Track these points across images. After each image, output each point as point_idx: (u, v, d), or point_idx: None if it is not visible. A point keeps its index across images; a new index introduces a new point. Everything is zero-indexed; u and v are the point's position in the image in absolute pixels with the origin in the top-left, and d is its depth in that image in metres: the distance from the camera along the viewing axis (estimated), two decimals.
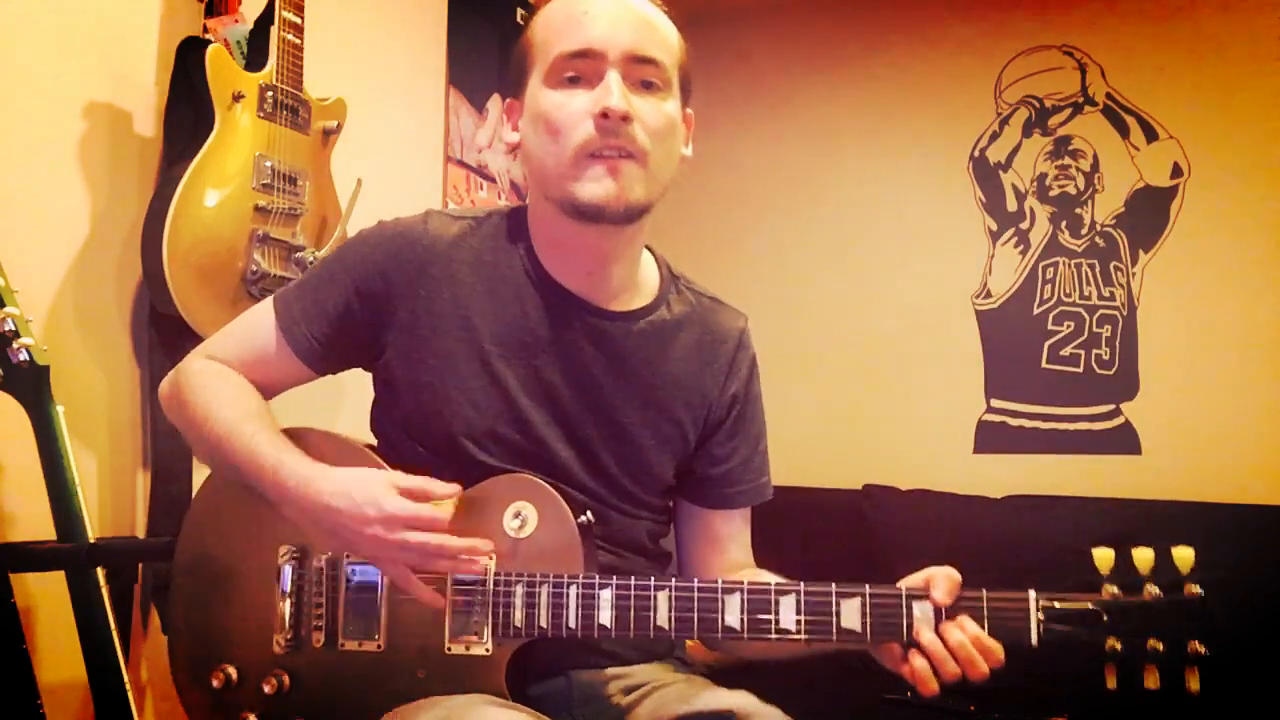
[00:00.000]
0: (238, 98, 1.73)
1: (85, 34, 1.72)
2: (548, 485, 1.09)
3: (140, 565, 1.75)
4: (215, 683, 1.12)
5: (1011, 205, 3.01)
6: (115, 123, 1.77)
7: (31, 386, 1.39)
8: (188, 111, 1.75)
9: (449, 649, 1.06)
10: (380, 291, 1.14)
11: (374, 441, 1.24)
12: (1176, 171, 2.82)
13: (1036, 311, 2.96)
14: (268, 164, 1.76)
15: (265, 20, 1.81)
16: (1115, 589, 0.97)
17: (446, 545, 1.01)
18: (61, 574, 1.40)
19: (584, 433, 1.15)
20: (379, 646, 1.09)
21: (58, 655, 1.52)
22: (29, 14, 1.63)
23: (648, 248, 1.23)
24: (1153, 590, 0.96)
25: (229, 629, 1.14)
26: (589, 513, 1.10)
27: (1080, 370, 2.89)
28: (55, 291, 1.67)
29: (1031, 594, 0.97)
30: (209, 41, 1.74)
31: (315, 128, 1.88)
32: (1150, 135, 2.86)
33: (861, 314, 3.17)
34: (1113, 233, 2.89)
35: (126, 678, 1.39)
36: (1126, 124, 2.88)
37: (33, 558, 1.44)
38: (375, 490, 1.01)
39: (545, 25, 1.11)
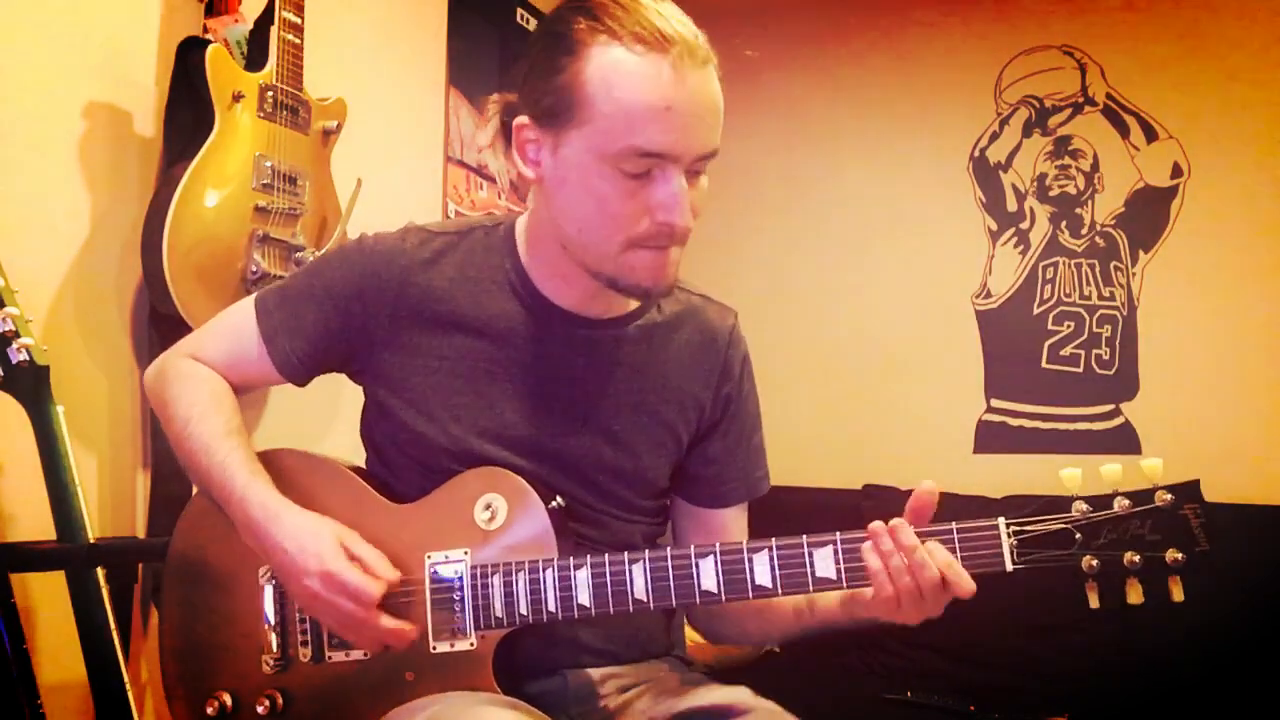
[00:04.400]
0: (238, 98, 1.73)
1: (85, 34, 1.71)
2: (516, 475, 1.08)
3: (140, 565, 1.75)
4: (210, 710, 1.12)
5: (1011, 205, 3.01)
6: (115, 123, 1.77)
7: (31, 386, 1.39)
8: (188, 112, 1.74)
9: (434, 648, 1.06)
10: (357, 312, 1.13)
11: (364, 450, 1.24)
12: (1176, 171, 2.81)
13: (1036, 311, 2.95)
14: (268, 164, 1.76)
15: (265, 20, 1.81)
16: (1085, 505, 0.96)
17: (370, 622, 1.01)
18: (61, 574, 1.40)
19: (574, 444, 1.14)
20: (365, 654, 1.09)
21: (58, 655, 1.52)
22: (29, 14, 1.63)
23: None
24: (1123, 503, 0.95)
25: (218, 654, 1.15)
26: (559, 498, 1.09)
27: (1080, 370, 2.89)
28: (55, 291, 1.67)
29: (1001, 520, 0.96)
30: (209, 41, 1.74)
31: (315, 128, 1.88)
32: (1150, 135, 2.85)
33: (861, 314, 3.17)
34: (1113, 233, 2.89)
35: (126, 678, 1.39)
36: (1126, 124, 2.88)
37: (33, 558, 1.44)
38: (323, 545, 1.02)
39: (611, 88, 0.97)
